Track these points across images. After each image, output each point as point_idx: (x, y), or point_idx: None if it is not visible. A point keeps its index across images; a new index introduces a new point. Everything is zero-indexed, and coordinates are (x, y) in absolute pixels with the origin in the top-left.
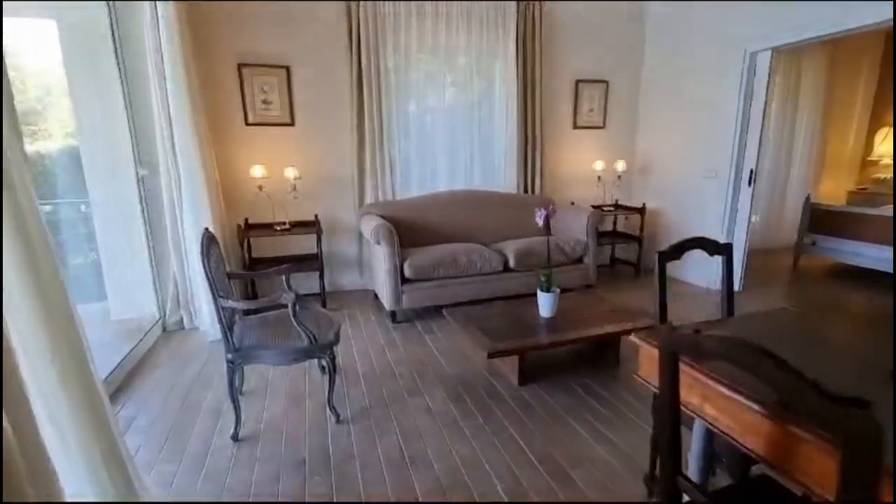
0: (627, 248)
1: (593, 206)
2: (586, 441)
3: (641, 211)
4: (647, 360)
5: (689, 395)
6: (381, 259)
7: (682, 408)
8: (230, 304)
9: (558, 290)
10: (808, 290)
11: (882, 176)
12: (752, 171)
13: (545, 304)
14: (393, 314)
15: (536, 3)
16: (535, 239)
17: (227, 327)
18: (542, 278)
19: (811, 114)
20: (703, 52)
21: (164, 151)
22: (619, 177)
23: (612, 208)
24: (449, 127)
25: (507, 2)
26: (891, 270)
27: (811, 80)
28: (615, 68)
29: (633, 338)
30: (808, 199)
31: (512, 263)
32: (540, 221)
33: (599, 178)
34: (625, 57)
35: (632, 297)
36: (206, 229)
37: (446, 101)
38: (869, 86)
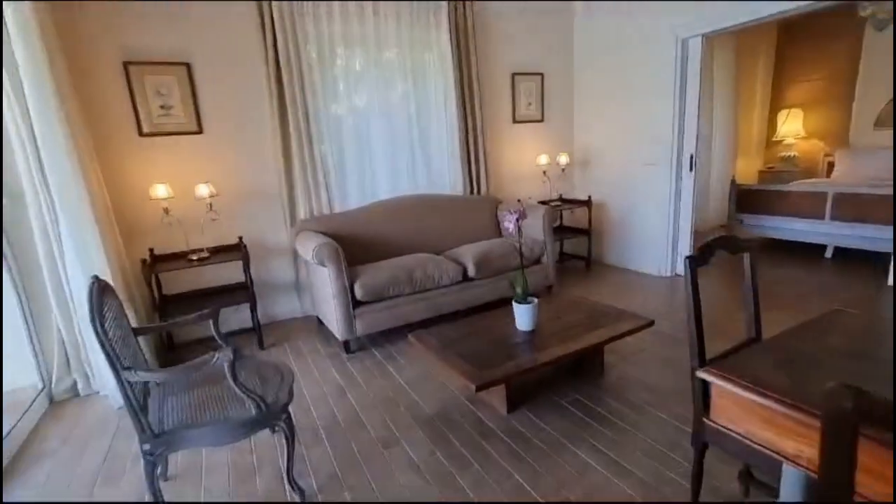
0: (576, 242)
1: (540, 202)
2: (599, 473)
3: (588, 204)
4: (727, 403)
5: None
6: (326, 282)
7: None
8: (139, 376)
9: (536, 301)
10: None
11: (786, 154)
12: (691, 157)
13: (524, 316)
14: (346, 344)
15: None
16: (490, 242)
17: (139, 405)
18: (518, 289)
19: (724, 100)
20: (635, 39)
21: (28, 173)
22: (563, 170)
23: (558, 203)
24: (386, 127)
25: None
26: (807, 240)
27: (722, 68)
28: (549, 60)
29: (704, 375)
30: (733, 181)
31: (471, 272)
32: (511, 226)
33: (545, 172)
34: (557, 49)
35: (588, 291)
36: (95, 278)
37: (380, 99)
38: (767, 72)
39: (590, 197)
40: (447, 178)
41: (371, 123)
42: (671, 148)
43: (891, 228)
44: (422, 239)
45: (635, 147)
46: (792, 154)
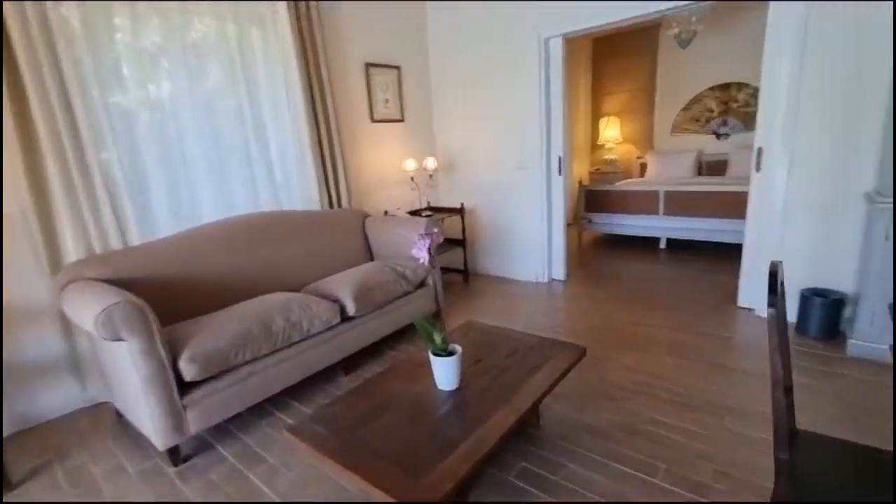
0: (451, 254)
1: (410, 213)
2: None
3: (461, 212)
4: None
5: None
6: (128, 364)
7: None
8: None
9: (460, 350)
10: (606, 262)
11: (608, 157)
12: (559, 160)
13: (447, 372)
14: (173, 451)
15: None
16: (365, 268)
17: None
18: (436, 337)
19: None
20: (497, 35)
21: None
22: (431, 176)
23: (430, 212)
24: (205, 127)
25: None
26: (646, 234)
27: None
28: (405, 52)
29: None
30: (580, 183)
31: (351, 309)
32: (422, 255)
33: (412, 178)
34: (412, 39)
35: (474, 310)
36: None
37: (191, 88)
38: (587, 83)
39: (462, 205)
40: (297, 191)
41: (182, 121)
42: (540, 151)
43: (711, 220)
44: (274, 272)
45: (504, 150)
46: (613, 157)
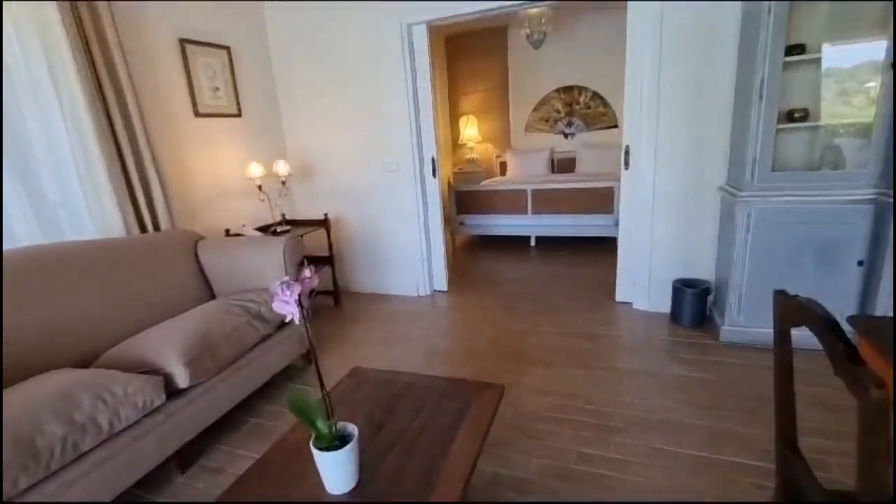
0: (318, 274)
1: (258, 229)
2: None
3: (325, 224)
4: None
5: None
6: None
7: None
8: None
9: (357, 433)
10: (483, 266)
11: (470, 156)
12: (433, 160)
13: (340, 472)
14: None
15: None
16: (203, 312)
17: None
18: (318, 425)
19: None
20: (356, 23)
21: None
22: (284, 183)
23: (286, 226)
24: None
25: None
26: (518, 234)
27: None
28: (237, 30)
29: None
30: (450, 184)
31: (184, 379)
32: (289, 311)
33: (260, 187)
34: (245, 15)
35: (352, 341)
36: None
37: None
38: (444, 81)
39: (326, 215)
40: (86, 214)
41: None
42: (411, 150)
43: (576, 216)
44: (51, 339)
45: (372, 150)
46: (474, 157)
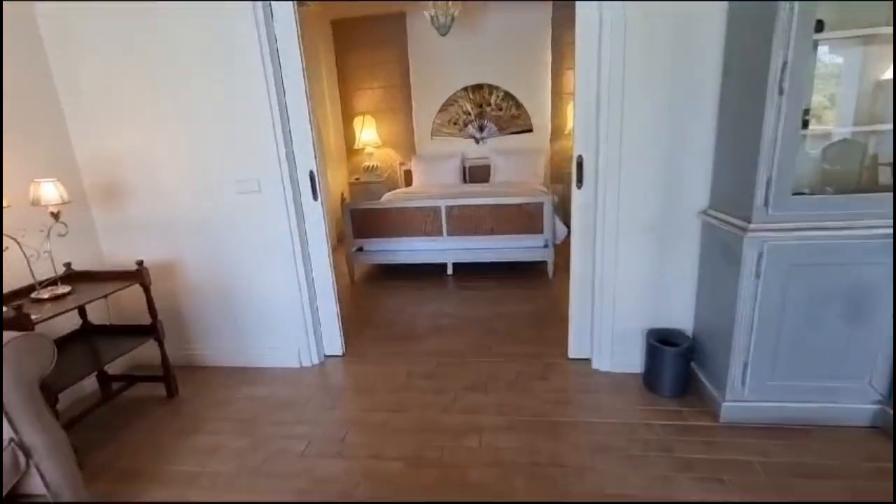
0: (139, 350)
1: (12, 295)
2: None
3: (140, 276)
4: None
5: None
6: None
7: None
8: None
9: None
10: (390, 307)
11: (369, 164)
12: (312, 177)
13: None
14: None
15: None
16: None
17: None
18: None
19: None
20: None
21: None
22: (56, 214)
23: (65, 287)
24: None
25: None
26: (431, 261)
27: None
28: None
29: None
30: (343, 199)
31: None
32: None
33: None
34: None
35: (199, 477)
36: None
37: None
38: (332, 76)
39: (141, 263)
40: None
41: None
42: (278, 163)
43: (502, 238)
44: None
45: (218, 164)
46: (374, 164)
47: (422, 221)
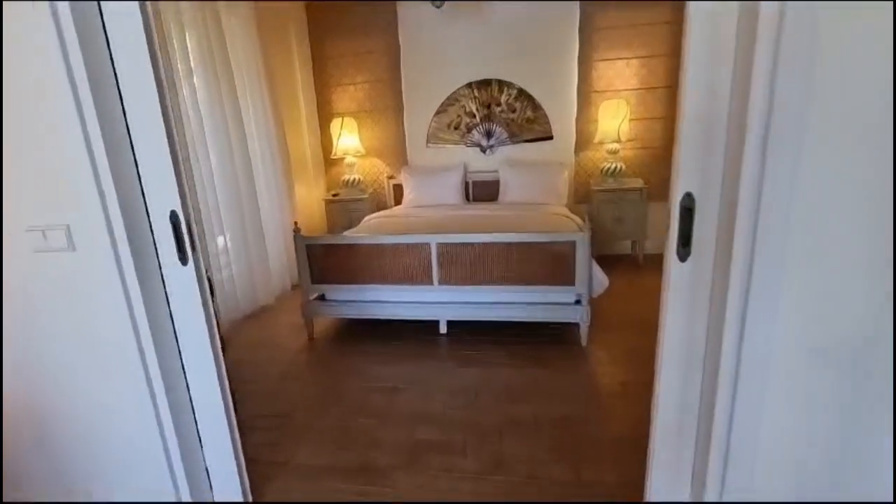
0: None
1: None
2: None
3: None
4: None
5: None
6: None
7: None
8: None
9: None
10: (356, 396)
11: (351, 177)
12: (175, 220)
13: None
14: None
15: None
16: None
17: None
18: None
19: (256, 101)
20: None
21: None
22: None
23: None
24: None
25: None
26: (419, 317)
27: (243, 51)
28: None
29: None
30: (297, 230)
31: None
32: None
33: None
34: None
35: None
36: None
37: None
38: (306, 66)
39: None
40: None
41: None
42: (101, 203)
43: (517, 289)
44: None
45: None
46: (355, 177)
47: (405, 264)
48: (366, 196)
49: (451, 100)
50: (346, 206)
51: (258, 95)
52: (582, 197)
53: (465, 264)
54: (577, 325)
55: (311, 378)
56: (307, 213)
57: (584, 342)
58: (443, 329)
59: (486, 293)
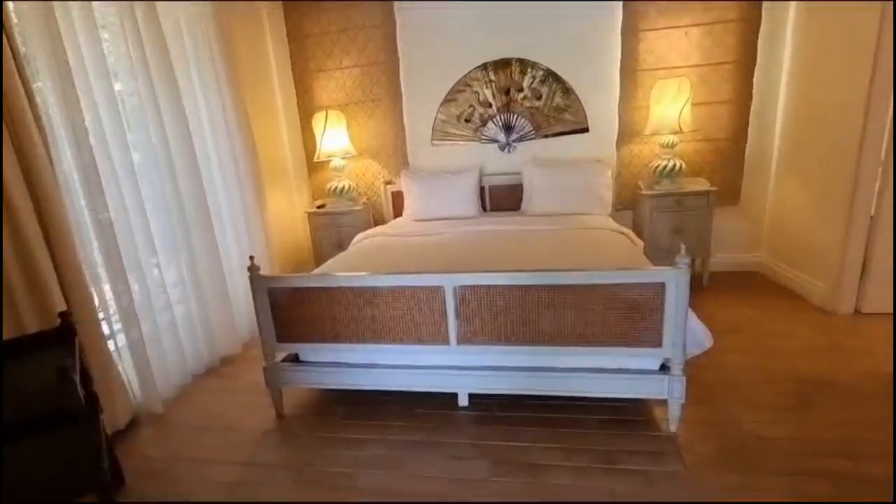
0: None
1: None
2: None
3: None
4: None
5: None
6: None
7: None
8: None
9: None
10: None
11: (339, 184)
12: None
13: None
14: None
15: None
16: None
17: None
18: None
19: (223, 96)
20: None
21: None
22: None
23: None
24: None
25: None
26: (431, 388)
27: (191, 37)
28: None
29: None
30: (251, 265)
31: None
32: None
33: None
34: None
35: None
36: None
37: None
38: (280, 44)
39: None
40: None
41: None
42: None
43: (569, 353)
44: None
45: None
46: (345, 184)
47: (409, 314)
48: (358, 207)
49: (462, 85)
50: (334, 219)
51: (214, 87)
52: (626, 202)
53: (495, 314)
54: (661, 401)
55: (274, 489)
56: (287, 232)
57: (674, 427)
58: (463, 401)
59: (523, 355)
